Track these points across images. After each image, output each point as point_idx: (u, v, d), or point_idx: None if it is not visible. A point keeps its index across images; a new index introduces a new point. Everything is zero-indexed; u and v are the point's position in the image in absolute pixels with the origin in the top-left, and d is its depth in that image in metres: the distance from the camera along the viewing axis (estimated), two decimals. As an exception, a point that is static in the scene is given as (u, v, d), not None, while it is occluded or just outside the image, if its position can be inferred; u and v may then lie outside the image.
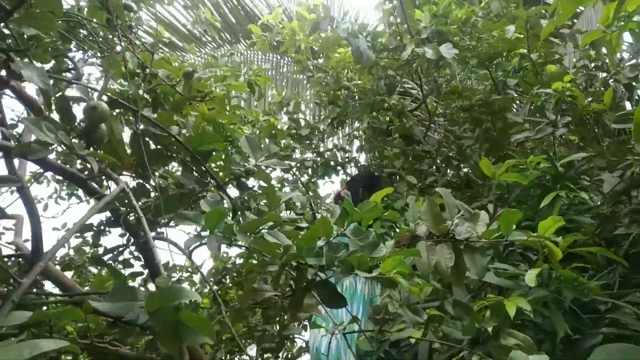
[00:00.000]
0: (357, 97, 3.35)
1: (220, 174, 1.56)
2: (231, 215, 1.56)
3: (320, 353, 1.96)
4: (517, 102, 3.69)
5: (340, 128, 3.53)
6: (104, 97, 1.42)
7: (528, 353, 1.11)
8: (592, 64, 2.93)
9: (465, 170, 3.03)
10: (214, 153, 1.57)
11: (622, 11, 1.51)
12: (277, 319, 1.75)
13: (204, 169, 1.52)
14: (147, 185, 1.64)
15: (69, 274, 2.98)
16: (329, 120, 3.33)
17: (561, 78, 2.46)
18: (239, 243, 1.24)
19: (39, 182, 3.23)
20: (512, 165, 2.05)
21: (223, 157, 1.80)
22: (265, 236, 1.25)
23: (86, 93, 1.15)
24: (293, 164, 3.22)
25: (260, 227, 1.33)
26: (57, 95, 1.13)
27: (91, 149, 1.15)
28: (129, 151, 1.30)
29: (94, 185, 1.87)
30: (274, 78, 4.32)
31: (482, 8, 2.93)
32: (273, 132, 2.88)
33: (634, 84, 2.57)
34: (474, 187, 2.91)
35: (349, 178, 3.25)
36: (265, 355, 3.80)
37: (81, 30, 2.04)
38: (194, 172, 1.61)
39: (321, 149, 3.50)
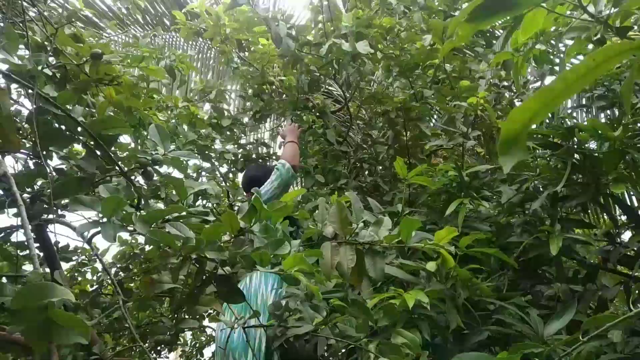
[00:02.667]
0: (281, 93, 3.35)
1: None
2: (136, 203, 1.50)
3: (218, 347, 1.94)
4: (437, 112, 3.87)
5: (263, 122, 3.50)
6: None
7: (414, 352, 1.17)
8: (502, 83, 3.14)
9: (377, 174, 3.14)
10: (120, 139, 1.51)
11: (528, 36, 1.64)
12: (175, 312, 1.71)
13: (107, 154, 1.45)
14: (45, 166, 1.54)
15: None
16: (252, 113, 3.30)
17: (473, 93, 2.62)
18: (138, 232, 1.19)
19: None
20: (421, 171, 2.16)
21: (132, 144, 1.73)
22: (167, 227, 1.22)
23: (-31, 63, 1.05)
24: (212, 154, 3.15)
25: (165, 218, 1.29)
26: None
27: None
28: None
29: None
30: (200, 68, 4.20)
31: (406, 19, 3.03)
32: (192, 120, 2.80)
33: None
34: (382, 192, 3.01)
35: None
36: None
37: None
38: (99, 158, 1.53)
39: (243, 142, 3.45)
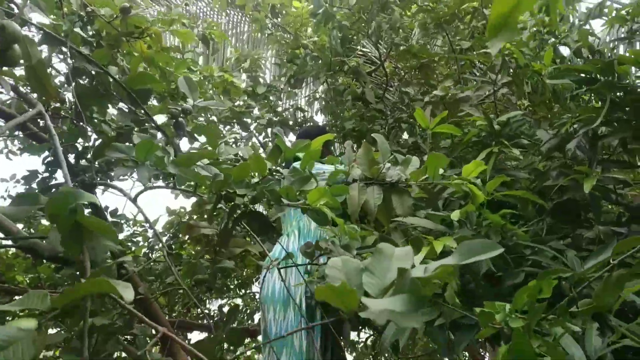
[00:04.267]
0: (315, 57, 3.35)
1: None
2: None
3: (265, 295, 2.02)
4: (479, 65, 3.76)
5: (299, 87, 3.53)
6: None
7: (444, 280, 1.18)
8: (545, 29, 3.01)
9: (416, 134, 3.10)
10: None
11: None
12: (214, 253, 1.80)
13: (142, 108, 1.52)
14: (85, 126, 1.64)
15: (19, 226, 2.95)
16: (287, 78, 3.33)
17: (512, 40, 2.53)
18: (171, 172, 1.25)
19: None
20: (455, 124, 2.12)
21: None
22: (197, 169, 1.28)
23: (0, 14, 1.13)
24: (249, 120, 3.22)
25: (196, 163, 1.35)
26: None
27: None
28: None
29: (35, 129, 1.85)
30: (234, 37, 4.26)
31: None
32: (227, 87, 2.86)
33: (581, 48, 2.66)
34: (422, 152, 2.98)
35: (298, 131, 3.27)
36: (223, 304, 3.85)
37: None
38: (134, 113, 1.61)
39: (280, 109, 3.50)
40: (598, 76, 1.87)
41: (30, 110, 1.09)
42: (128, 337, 2.21)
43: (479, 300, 1.66)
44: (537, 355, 1.13)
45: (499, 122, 2.10)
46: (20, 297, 0.63)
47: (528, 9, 0.53)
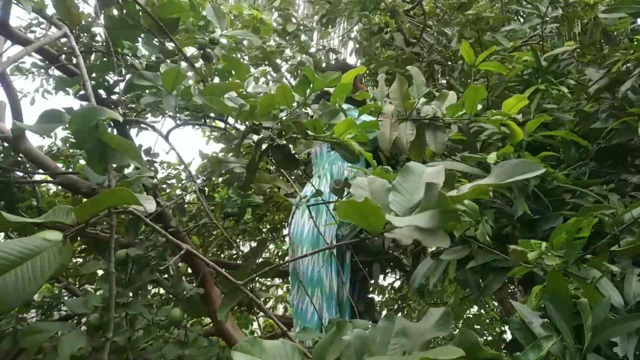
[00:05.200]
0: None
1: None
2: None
3: (295, 234, 2.03)
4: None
5: (331, 26, 3.41)
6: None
7: (474, 218, 1.14)
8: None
9: (452, 76, 2.97)
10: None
11: None
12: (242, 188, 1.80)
13: (170, 38, 1.48)
14: (114, 58, 1.61)
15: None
16: (319, 17, 3.21)
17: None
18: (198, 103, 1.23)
19: (22, 74, 3.18)
20: (491, 54, 2.00)
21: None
22: (223, 99, 1.25)
23: None
24: (280, 61, 3.14)
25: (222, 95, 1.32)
26: None
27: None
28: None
29: (67, 64, 1.84)
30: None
31: None
32: (257, 25, 2.78)
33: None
34: (458, 94, 2.85)
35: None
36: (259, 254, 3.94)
37: None
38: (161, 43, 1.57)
39: (312, 50, 3.40)
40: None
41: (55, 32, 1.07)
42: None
43: (513, 243, 1.61)
44: (572, 296, 1.09)
45: (546, 58, 1.96)
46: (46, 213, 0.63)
47: None
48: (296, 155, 1.27)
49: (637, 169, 1.89)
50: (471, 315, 4.96)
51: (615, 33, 2.64)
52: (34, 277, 0.48)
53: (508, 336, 4.01)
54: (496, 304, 4.36)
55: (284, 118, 1.20)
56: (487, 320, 4.80)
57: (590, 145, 1.76)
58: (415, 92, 1.40)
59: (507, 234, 1.66)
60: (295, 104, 1.28)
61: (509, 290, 3.48)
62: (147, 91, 1.29)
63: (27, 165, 2.31)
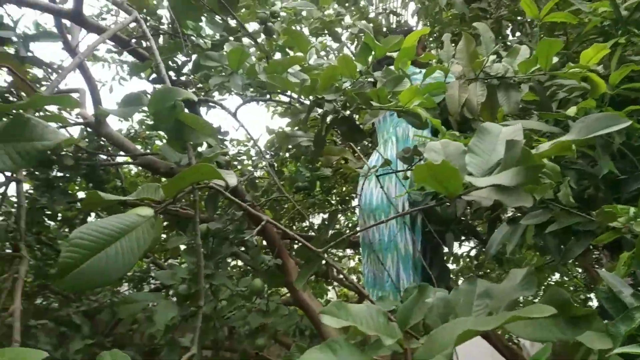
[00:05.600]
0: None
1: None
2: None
3: (364, 203, 2.03)
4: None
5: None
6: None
7: (555, 180, 1.08)
8: None
9: (524, 33, 2.79)
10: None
11: None
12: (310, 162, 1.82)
13: (233, 15, 1.51)
14: (181, 38, 1.67)
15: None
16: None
17: None
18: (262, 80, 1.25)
19: (98, 62, 3.37)
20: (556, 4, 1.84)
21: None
22: (287, 76, 1.26)
23: None
24: (341, 30, 3.10)
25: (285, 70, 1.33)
26: None
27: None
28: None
29: (137, 48, 1.92)
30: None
31: None
32: (316, -5, 2.74)
33: None
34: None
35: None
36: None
37: None
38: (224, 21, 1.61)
39: (372, 15, 3.32)
40: None
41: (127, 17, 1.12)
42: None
43: (596, 205, 1.52)
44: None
45: (627, 7, 1.79)
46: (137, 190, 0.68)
47: None
48: (361, 126, 1.27)
49: None
50: (553, 283, 4.78)
51: None
52: (131, 250, 0.53)
53: (594, 303, 3.83)
54: (580, 270, 4.15)
55: (348, 89, 1.19)
56: (571, 288, 4.61)
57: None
58: (484, 50, 1.34)
59: (590, 196, 1.56)
60: (358, 74, 1.27)
61: (594, 257, 3.31)
62: (213, 71, 1.33)
63: (110, 149, 2.48)
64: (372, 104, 1.19)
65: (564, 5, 2.51)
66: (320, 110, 1.32)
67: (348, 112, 1.24)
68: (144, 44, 1.91)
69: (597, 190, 1.59)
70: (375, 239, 2.07)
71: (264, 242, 2.45)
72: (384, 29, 3.30)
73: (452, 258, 3.83)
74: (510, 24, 3.11)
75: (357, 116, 1.33)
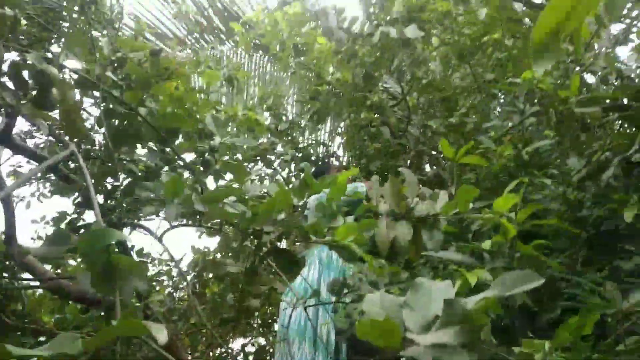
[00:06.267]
0: (338, 93, 3.39)
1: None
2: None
3: (282, 326, 1.97)
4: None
5: (321, 124, 3.57)
6: (73, 76, 1.45)
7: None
8: (570, 58, 2.98)
9: (439, 166, 3.08)
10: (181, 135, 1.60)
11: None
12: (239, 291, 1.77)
13: (171, 147, 1.55)
14: (114, 166, 1.66)
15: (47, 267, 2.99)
16: (310, 115, 3.37)
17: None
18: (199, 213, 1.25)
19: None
20: (481, 155, 2.09)
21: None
22: (225, 206, 1.28)
23: (39, 60, 1.17)
24: (273, 158, 3.25)
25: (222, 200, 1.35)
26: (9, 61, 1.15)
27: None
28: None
29: (66, 172, 1.89)
30: (257, 77, 4.36)
31: (463, 2, 2.97)
32: (252, 126, 2.90)
33: (608, 75, 2.62)
34: (445, 183, 2.95)
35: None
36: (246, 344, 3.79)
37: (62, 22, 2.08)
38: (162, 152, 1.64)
39: (301, 145, 3.52)
40: (628, 102, 1.84)
41: (63, 151, 1.12)
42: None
43: (514, 336, 1.59)
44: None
45: (527, 152, 2.06)
46: (51, 340, 0.62)
47: (572, 28, 0.52)
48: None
49: (628, 255, 1.92)
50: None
51: (591, 120, 2.80)
52: None
53: None
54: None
55: (286, 222, 1.22)
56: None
57: (579, 233, 1.80)
58: (409, 192, 1.45)
59: (507, 325, 1.64)
60: (293, 207, 1.32)
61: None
62: (146, 200, 1.32)
63: (15, 268, 2.28)
64: (309, 237, 1.22)
65: (476, 143, 2.83)
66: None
67: (285, 245, 1.26)
68: (71, 165, 1.88)
69: (512, 322, 1.68)
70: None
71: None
72: (313, 158, 3.50)
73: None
74: (428, 158, 3.43)
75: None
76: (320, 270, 1.99)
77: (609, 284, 1.60)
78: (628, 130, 1.90)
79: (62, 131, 1.24)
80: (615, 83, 2.69)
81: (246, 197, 1.43)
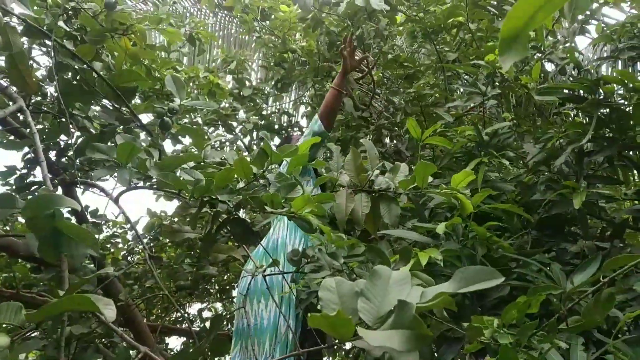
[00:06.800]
0: (303, 61, 3.33)
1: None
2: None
3: (240, 294, 1.96)
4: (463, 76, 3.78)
5: (285, 92, 3.50)
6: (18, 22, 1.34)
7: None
8: (530, 44, 3.03)
9: (400, 141, 3.10)
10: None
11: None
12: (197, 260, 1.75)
13: (127, 106, 1.47)
14: (67, 122, 1.58)
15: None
16: (274, 82, 3.30)
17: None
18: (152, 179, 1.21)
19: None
20: (440, 133, 2.12)
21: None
22: (179, 172, 1.24)
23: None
24: (235, 124, 3.17)
25: (180, 166, 1.31)
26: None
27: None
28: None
29: (16, 125, 1.77)
30: (221, 39, 4.22)
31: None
32: (213, 89, 2.82)
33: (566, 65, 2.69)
34: (404, 158, 2.98)
35: None
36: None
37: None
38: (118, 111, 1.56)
39: (265, 112, 3.46)
40: (583, 94, 1.89)
41: (11, 104, 1.04)
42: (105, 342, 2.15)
43: (465, 312, 1.65)
44: (523, 370, 1.13)
45: (487, 133, 2.10)
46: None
47: (541, 22, 0.51)
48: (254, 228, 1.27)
49: (575, 238, 2.01)
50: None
51: (547, 106, 2.88)
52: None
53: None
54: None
55: (243, 192, 1.20)
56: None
57: (531, 217, 1.86)
58: (369, 164, 1.45)
59: (458, 302, 1.69)
60: (252, 176, 1.29)
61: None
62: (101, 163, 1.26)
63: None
64: (266, 208, 1.20)
65: (437, 118, 2.86)
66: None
67: (242, 214, 1.23)
68: (21, 117, 1.77)
69: (463, 298, 1.74)
70: (254, 324, 1.99)
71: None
72: (275, 126, 3.45)
73: (330, 353, 3.81)
74: (388, 132, 3.44)
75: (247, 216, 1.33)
76: (288, 227, 1.96)
77: (555, 265, 1.68)
78: (583, 121, 1.96)
79: (8, 81, 1.14)
80: (573, 73, 2.77)
81: (204, 164, 1.40)
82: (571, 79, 2.11)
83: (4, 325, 0.57)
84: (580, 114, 2.53)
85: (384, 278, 0.59)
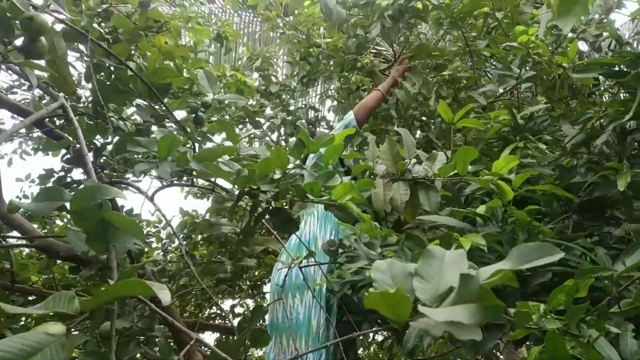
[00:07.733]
0: (328, 56, 3.32)
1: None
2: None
3: (276, 285, 1.97)
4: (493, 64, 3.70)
5: (311, 87, 3.50)
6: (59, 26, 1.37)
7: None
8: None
9: (430, 130, 3.06)
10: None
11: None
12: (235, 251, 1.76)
13: (162, 103, 1.49)
14: (105, 121, 1.61)
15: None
16: (300, 78, 3.30)
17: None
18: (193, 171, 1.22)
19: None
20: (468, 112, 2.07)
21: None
22: (219, 164, 1.24)
23: (25, 5, 1.10)
24: (262, 120, 3.19)
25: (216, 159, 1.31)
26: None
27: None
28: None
29: (52, 127, 1.82)
30: (246, 37, 4.24)
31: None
32: (240, 87, 2.83)
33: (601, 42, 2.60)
34: (435, 148, 2.94)
35: None
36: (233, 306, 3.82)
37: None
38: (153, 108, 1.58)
39: (292, 108, 3.46)
40: (625, 69, 1.82)
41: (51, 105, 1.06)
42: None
43: (505, 299, 1.61)
44: (570, 356, 1.09)
45: (522, 117, 2.05)
46: (41, 299, 0.60)
47: None
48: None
49: (618, 222, 1.94)
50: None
51: (582, 87, 2.79)
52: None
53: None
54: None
55: (283, 182, 1.20)
56: (474, 375, 4.69)
57: (570, 195, 1.81)
58: (405, 153, 1.43)
59: (496, 288, 1.66)
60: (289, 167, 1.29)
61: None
62: (140, 156, 1.28)
63: (2, 227, 2.23)
64: (306, 196, 1.20)
65: (469, 100, 2.81)
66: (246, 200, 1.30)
67: (282, 204, 1.24)
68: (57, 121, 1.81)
69: (504, 285, 1.70)
70: (288, 320, 2.00)
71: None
72: (303, 121, 3.45)
73: (366, 345, 3.80)
74: (419, 123, 3.40)
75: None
76: (319, 223, 1.97)
77: (599, 249, 1.63)
78: (623, 97, 1.89)
79: (48, 85, 1.17)
80: (609, 50, 2.67)
81: (239, 157, 1.40)
82: (610, 55, 2.03)
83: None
84: (620, 93, 2.44)
85: (438, 257, 0.57)
